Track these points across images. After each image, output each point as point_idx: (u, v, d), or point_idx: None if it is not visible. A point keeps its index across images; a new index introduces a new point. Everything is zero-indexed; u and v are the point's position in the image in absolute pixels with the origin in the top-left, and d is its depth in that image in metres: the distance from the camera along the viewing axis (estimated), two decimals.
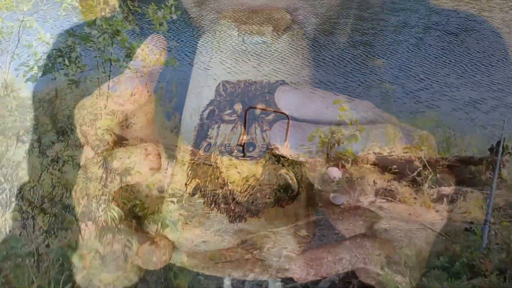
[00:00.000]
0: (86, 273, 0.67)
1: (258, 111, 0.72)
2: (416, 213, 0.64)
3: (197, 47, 0.92)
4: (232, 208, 0.69)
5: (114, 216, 0.65)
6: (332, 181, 0.67)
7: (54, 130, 0.78)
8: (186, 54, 0.99)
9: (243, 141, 0.71)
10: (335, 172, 0.67)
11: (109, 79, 0.76)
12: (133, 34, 0.81)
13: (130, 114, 0.75)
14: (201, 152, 0.72)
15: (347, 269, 0.64)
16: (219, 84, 0.76)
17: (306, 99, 0.69)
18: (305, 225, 0.68)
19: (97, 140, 0.69)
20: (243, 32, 0.85)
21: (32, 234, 0.68)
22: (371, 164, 0.68)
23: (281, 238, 0.70)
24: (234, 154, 0.70)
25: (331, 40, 1.13)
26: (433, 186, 0.67)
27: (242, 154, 0.70)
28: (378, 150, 0.69)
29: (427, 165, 0.68)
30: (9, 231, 0.68)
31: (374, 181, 0.66)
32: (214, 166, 0.71)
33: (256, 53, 0.84)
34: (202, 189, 0.71)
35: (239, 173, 0.70)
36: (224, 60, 0.84)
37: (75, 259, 0.67)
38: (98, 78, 0.75)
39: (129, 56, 0.77)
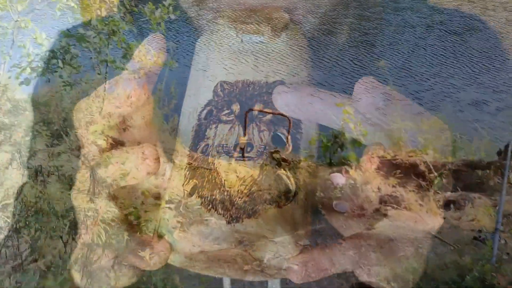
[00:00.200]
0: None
1: (255, 112, 0.71)
2: (422, 220, 0.61)
3: (196, 47, 0.89)
4: (230, 209, 0.68)
5: (109, 219, 0.62)
6: (335, 187, 0.64)
7: (49, 133, 0.75)
8: (184, 55, 0.97)
9: (243, 145, 0.69)
10: (339, 178, 0.64)
11: (106, 81, 0.73)
12: (130, 34, 0.78)
13: (127, 116, 0.72)
14: (199, 152, 0.70)
15: (345, 270, 0.62)
16: (217, 84, 0.75)
17: (305, 99, 0.67)
18: (307, 234, 0.65)
19: (90, 145, 0.66)
20: (241, 32, 0.83)
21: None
22: (375, 169, 0.65)
23: (282, 248, 0.67)
24: (231, 154, 0.69)
25: (331, 40, 1.10)
26: (439, 192, 0.63)
27: (240, 155, 0.68)
28: (382, 153, 0.66)
29: (432, 170, 0.65)
30: None
31: (378, 187, 0.63)
32: (213, 169, 0.68)
33: (254, 52, 0.82)
34: (200, 190, 0.69)
35: (237, 176, 0.69)
36: (222, 60, 0.81)
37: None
38: (93, 80, 0.72)
39: (125, 57, 0.74)
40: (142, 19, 0.81)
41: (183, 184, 0.69)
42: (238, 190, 0.68)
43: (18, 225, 0.62)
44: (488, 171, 0.64)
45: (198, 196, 0.69)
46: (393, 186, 0.64)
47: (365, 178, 0.64)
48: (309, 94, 0.67)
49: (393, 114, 0.68)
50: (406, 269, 0.58)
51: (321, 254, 0.63)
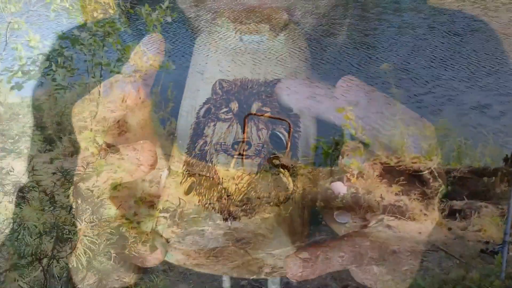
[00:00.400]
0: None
1: (254, 109, 0.69)
2: (428, 231, 0.58)
3: (194, 48, 0.86)
4: (227, 206, 0.65)
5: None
6: (337, 197, 0.60)
7: (42, 137, 0.72)
8: (182, 56, 0.94)
9: (243, 151, 0.67)
10: (340, 187, 0.61)
11: (100, 85, 0.70)
12: (126, 36, 0.75)
13: (122, 120, 0.69)
14: (197, 150, 0.68)
15: (343, 268, 0.58)
16: (216, 82, 0.73)
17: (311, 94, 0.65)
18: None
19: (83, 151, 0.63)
20: (240, 32, 0.80)
21: None
22: (377, 175, 0.62)
23: (279, 262, 0.64)
24: (229, 152, 0.67)
25: (330, 41, 1.07)
26: (444, 200, 0.60)
27: (237, 153, 0.66)
28: (385, 159, 0.63)
29: (437, 177, 0.62)
30: None
31: (381, 196, 0.60)
32: (211, 176, 0.65)
33: (253, 52, 0.79)
34: (197, 188, 0.67)
35: (235, 180, 0.66)
36: (220, 60, 0.79)
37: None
38: (87, 83, 0.69)
39: (121, 60, 0.70)
40: (138, 21, 0.78)
41: (181, 182, 0.67)
42: (236, 187, 0.66)
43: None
44: (494, 178, 0.61)
45: (196, 194, 0.66)
46: (396, 194, 0.61)
47: (367, 186, 0.61)
48: (312, 85, 0.66)
49: (394, 118, 0.65)
50: (411, 286, 0.55)
51: (320, 252, 0.60)
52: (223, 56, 0.80)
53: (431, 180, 0.62)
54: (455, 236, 0.56)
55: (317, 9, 1.03)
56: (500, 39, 1.11)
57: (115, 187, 0.59)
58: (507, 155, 0.63)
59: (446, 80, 1.02)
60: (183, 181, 0.68)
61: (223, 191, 0.66)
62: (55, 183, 0.58)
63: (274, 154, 0.67)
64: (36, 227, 0.54)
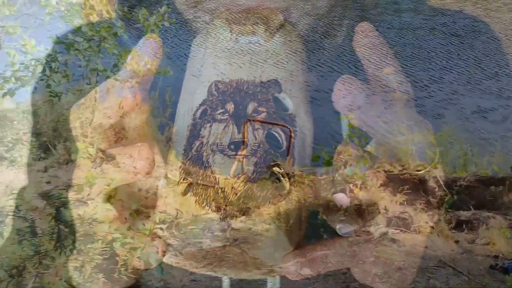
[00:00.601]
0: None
1: (250, 110, 0.69)
2: (434, 245, 0.54)
3: (191, 49, 0.86)
4: (224, 206, 0.65)
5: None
6: (339, 209, 0.57)
7: (37, 144, 0.69)
8: (179, 58, 0.92)
9: (242, 158, 0.66)
10: (343, 199, 0.57)
11: (96, 91, 0.67)
12: (122, 41, 0.71)
13: (118, 127, 0.66)
14: (193, 151, 0.68)
15: (342, 267, 0.59)
16: (212, 84, 0.73)
17: None
18: (309, 262, 0.58)
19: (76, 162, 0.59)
20: (237, 33, 0.81)
21: None
22: (381, 184, 0.59)
23: (278, 261, 0.61)
24: (225, 152, 0.66)
25: (328, 42, 1.04)
26: (450, 210, 0.57)
27: (234, 153, 0.66)
28: (388, 167, 0.59)
29: (443, 186, 0.59)
30: None
31: (385, 208, 0.56)
32: (209, 185, 0.62)
33: (250, 53, 0.79)
34: (194, 188, 0.66)
35: (232, 184, 0.65)
36: (217, 61, 0.79)
37: None
38: (82, 89, 0.66)
39: (117, 65, 0.67)
40: (135, 25, 0.75)
41: (178, 183, 0.66)
42: (232, 187, 0.65)
43: None
44: (502, 187, 0.57)
45: (193, 194, 0.65)
46: (401, 204, 0.58)
47: (370, 194, 0.57)
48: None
49: (398, 124, 0.62)
50: None
51: (318, 251, 0.58)
52: (220, 58, 0.78)
53: (436, 189, 0.59)
54: (462, 250, 0.53)
55: (315, 10, 1.00)
56: (502, 40, 1.07)
57: (109, 199, 0.55)
58: None
59: (446, 84, 0.98)
60: (180, 182, 0.66)
61: (219, 191, 0.64)
62: (36, 207, 0.54)
63: (274, 161, 0.64)
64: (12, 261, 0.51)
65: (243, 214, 0.64)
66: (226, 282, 0.70)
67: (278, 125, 0.66)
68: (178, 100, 0.77)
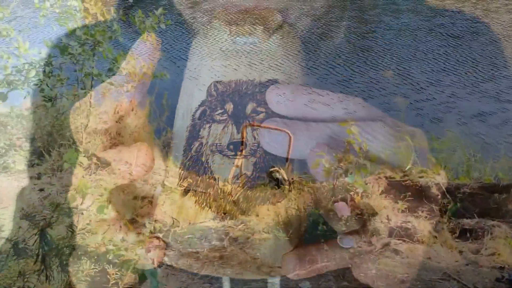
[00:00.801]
0: None
1: (249, 110, 0.68)
2: (438, 256, 0.52)
3: (189, 50, 0.84)
4: (223, 205, 0.64)
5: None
6: (340, 219, 0.54)
7: (32, 150, 0.66)
8: (175, 60, 0.89)
9: (240, 163, 0.65)
10: (343, 209, 0.54)
11: (90, 96, 0.64)
12: (117, 44, 0.69)
13: (114, 133, 0.63)
14: (193, 152, 0.67)
15: (342, 267, 0.56)
16: (211, 84, 0.72)
17: (300, 99, 0.63)
18: (308, 273, 0.56)
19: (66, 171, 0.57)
20: (234, 33, 0.80)
21: None
22: (382, 191, 0.56)
23: (278, 261, 0.59)
24: (224, 153, 0.66)
25: (326, 43, 1.01)
26: (453, 218, 0.54)
27: (233, 153, 0.66)
28: (390, 173, 0.57)
29: (445, 193, 0.56)
30: None
31: (387, 217, 0.54)
32: (207, 193, 0.60)
33: (247, 54, 0.78)
34: (194, 188, 0.65)
35: (234, 194, 0.63)
36: (215, 62, 0.78)
37: None
38: (77, 94, 0.63)
39: (112, 69, 0.64)
40: (131, 28, 0.72)
41: (178, 184, 0.65)
42: (232, 187, 0.64)
43: None
44: (506, 194, 0.55)
45: (193, 195, 0.64)
46: (403, 212, 0.55)
47: (372, 206, 0.54)
48: (305, 93, 0.63)
49: (398, 129, 0.59)
50: None
51: (317, 251, 0.56)
52: (218, 59, 0.77)
53: (439, 196, 0.56)
54: (467, 261, 0.50)
55: (313, 11, 0.98)
56: (501, 41, 1.05)
57: (102, 210, 0.52)
58: None
59: (445, 86, 0.95)
60: (180, 183, 0.65)
61: (219, 191, 0.63)
62: (20, 227, 0.51)
63: (273, 167, 0.62)
64: None
65: (243, 214, 0.62)
66: (226, 283, 0.68)
67: (278, 130, 0.64)
68: (176, 103, 0.75)
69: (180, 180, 0.65)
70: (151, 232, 0.57)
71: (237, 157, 0.65)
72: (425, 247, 0.52)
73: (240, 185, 0.63)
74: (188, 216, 0.60)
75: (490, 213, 0.54)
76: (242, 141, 0.66)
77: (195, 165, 0.66)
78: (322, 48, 0.99)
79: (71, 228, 0.52)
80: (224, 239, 0.59)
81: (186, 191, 0.64)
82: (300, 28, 0.90)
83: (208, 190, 0.64)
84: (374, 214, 0.54)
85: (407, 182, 0.57)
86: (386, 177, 0.57)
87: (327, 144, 0.57)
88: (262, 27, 0.80)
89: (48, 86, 0.65)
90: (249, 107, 0.68)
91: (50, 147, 0.64)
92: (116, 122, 0.65)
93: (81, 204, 0.54)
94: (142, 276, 0.53)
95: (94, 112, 0.64)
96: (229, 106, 0.69)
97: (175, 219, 0.59)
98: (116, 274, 0.52)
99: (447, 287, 0.49)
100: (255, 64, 0.77)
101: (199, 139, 0.68)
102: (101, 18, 0.69)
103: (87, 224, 0.53)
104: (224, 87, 0.72)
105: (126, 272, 0.52)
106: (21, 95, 0.69)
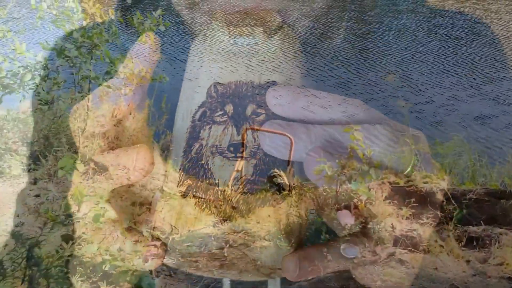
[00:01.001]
0: None
1: (249, 112, 0.67)
2: (445, 266, 0.49)
3: (189, 51, 0.84)
4: (223, 207, 0.62)
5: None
6: (343, 228, 0.52)
7: (29, 154, 0.64)
8: (176, 62, 0.88)
9: (241, 167, 0.63)
10: (347, 217, 0.52)
11: (88, 99, 0.62)
12: (114, 47, 0.66)
13: (111, 137, 0.61)
14: (193, 154, 0.66)
15: (342, 268, 0.54)
16: (211, 86, 0.71)
17: (300, 101, 0.61)
18: (310, 285, 0.53)
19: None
20: (234, 35, 0.79)
21: None
22: (386, 197, 0.53)
23: (278, 263, 0.57)
24: (225, 155, 0.65)
25: (325, 44, 0.99)
26: (459, 225, 0.52)
27: (233, 155, 0.65)
28: (393, 178, 0.54)
29: (451, 199, 0.54)
30: None
31: (392, 225, 0.51)
32: (205, 199, 0.58)
33: (247, 55, 0.77)
34: (194, 190, 0.64)
35: (234, 195, 0.62)
36: (215, 63, 0.77)
37: None
38: (73, 98, 0.60)
39: (109, 72, 0.62)
40: (129, 30, 0.69)
41: (178, 185, 0.64)
42: (232, 189, 0.63)
43: None
44: None
45: (192, 197, 0.63)
46: (407, 219, 0.53)
47: (377, 213, 0.52)
48: (303, 95, 0.61)
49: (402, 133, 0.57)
50: None
51: (317, 252, 0.54)
52: (217, 60, 0.76)
53: (444, 203, 0.54)
54: (474, 272, 0.48)
55: (312, 11, 0.97)
56: (501, 43, 1.03)
57: (98, 219, 0.50)
58: None
59: (446, 88, 0.92)
60: (179, 184, 0.64)
61: (219, 193, 0.62)
62: (7, 245, 0.48)
63: (274, 172, 0.59)
64: None
65: (243, 216, 0.61)
66: (226, 284, 0.66)
67: (279, 134, 0.62)
68: (175, 105, 0.74)
69: (180, 182, 0.64)
70: (148, 242, 0.55)
71: (238, 159, 0.64)
72: (431, 256, 0.49)
73: (240, 190, 0.62)
74: (187, 223, 0.58)
75: (497, 220, 0.52)
76: (243, 143, 0.65)
77: (195, 166, 0.65)
78: (321, 49, 0.98)
79: (65, 238, 0.50)
80: (224, 247, 0.56)
81: (185, 194, 0.63)
82: (299, 29, 0.89)
83: (208, 192, 0.63)
84: (378, 222, 0.52)
85: (411, 187, 0.55)
86: (390, 183, 0.55)
87: (323, 148, 0.55)
88: (261, 29, 0.80)
89: (44, 90, 0.63)
90: (249, 109, 0.67)
91: (46, 151, 0.62)
92: (114, 125, 0.63)
93: (78, 211, 0.51)
94: (139, 287, 0.51)
95: (92, 116, 0.62)
96: (229, 108, 0.68)
97: (174, 226, 0.57)
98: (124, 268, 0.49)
99: None
100: (255, 66, 0.75)
101: (199, 141, 0.67)
102: (99, 20, 0.66)
103: (83, 233, 0.51)
104: (224, 88, 0.71)
105: (122, 284, 0.49)
106: (18, 98, 0.66)
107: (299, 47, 0.84)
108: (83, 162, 0.56)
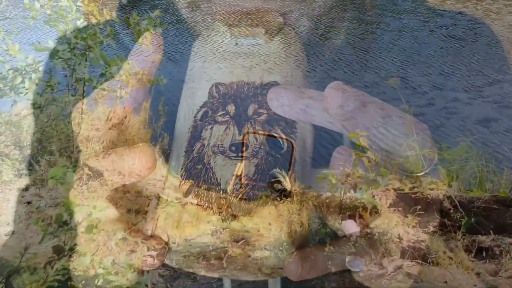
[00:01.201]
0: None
1: (250, 112, 0.67)
2: (455, 280, 0.46)
3: (191, 51, 0.82)
4: (225, 207, 0.60)
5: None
6: (348, 239, 0.49)
7: (21, 158, 0.60)
8: (178, 60, 0.86)
9: (240, 172, 0.62)
10: (352, 227, 0.49)
11: (82, 102, 0.59)
12: (109, 49, 0.63)
13: (107, 141, 0.58)
14: (194, 153, 0.65)
15: (343, 268, 0.51)
16: (212, 86, 0.71)
17: (300, 102, 0.60)
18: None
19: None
20: (236, 35, 0.79)
21: None
22: (391, 204, 0.50)
23: (279, 262, 0.54)
24: (226, 154, 0.64)
25: (326, 45, 0.97)
26: (467, 234, 0.49)
27: (235, 154, 0.64)
28: (398, 185, 0.52)
29: (458, 206, 0.51)
30: None
31: (399, 236, 0.48)
32: (204, 206, 0.55)
33: (249, 55, 0.77)
34: (196, 189, 0.62)
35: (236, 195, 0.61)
36: (217, 63, 0.77)
37: None
38: (68, 101, 0.57)
39: (104, 74, 0.59)
40: (125, 32, 0.67)
41: (180, 185, 0.62)
42: (234, 188, 0.62)
43: None
44: None
45: (194, 196, 0.61)
46: (413, 227, 0.50)
47: (382, 223, 0.49)
48: (304, 97, 0.60)
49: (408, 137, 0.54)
50: None
51: (319, 252, 0.52)
52: (219, 60, 0.76)
53: (451, 210, 0.51)
54: (485, 285, 0.45)
55: (313, 12, 0.95)
56: (502, 43, 1.00)
57: (91, 230, 0.47)
58: None
59: (447, 90, 0.90)
60: (181, 183, 0.62)
61: (221, 192, 0.61)
62: None
63: (275, 178, 0.57)
64: None
65: (245, 215, 0.59)
66: (226, 284, 0.63)
67: (280, 137, 0.61)
68: (175, 107, 0.73)
69: (182, 181, 0.63)
70: (143, 254, 0.52)
71: (239, 158, 0.63)
72: (440, 269, 0.47)
73: (241, 196, 0.60)
74: (184, 232, 0.55)
75: (507, 229, 0.49)
76: (243, 143, 0.64)
77: (196, 166, 0.64)
78: (322, 50, 0.96)
79: (57, 249, 0.47)
80: (223, 257, 0.53)
81: (187, 192, 0.61)
82: (301, 30, 0.88)
83: (210, 192, 0.62)
84: (385, 233, 0.49)
85: (417, 194, 0.52)
86: (395, 189, 0.52)
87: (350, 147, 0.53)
88: (263, 29, 0.79)
89: (37, 93, 0.59)
90: (251, 109, 0.67)
91: (39, 156, 0.58)
92: (110, 129, 0.60)
93: (69, 221, 0.48)
94: None
95: (86, 119, 0.59)
96: (231, 108, 0.68)
97: (171, 236, 0.54)
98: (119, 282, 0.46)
99: None
100: (256, 66, 0.75)
101: (201, 140, 0.66)
102: (94, 20, 0.63)
103: (75, 244, 0.48)
104: (225, 88, 0.71)
105: None
106: (10, 101, 0.63)
107: (300, 47, 0.83)
108: (77, 167, 0.53)
